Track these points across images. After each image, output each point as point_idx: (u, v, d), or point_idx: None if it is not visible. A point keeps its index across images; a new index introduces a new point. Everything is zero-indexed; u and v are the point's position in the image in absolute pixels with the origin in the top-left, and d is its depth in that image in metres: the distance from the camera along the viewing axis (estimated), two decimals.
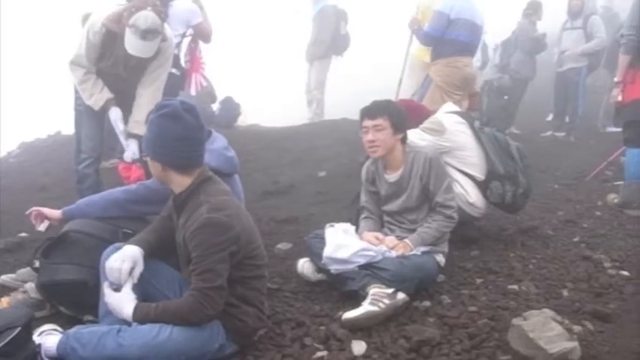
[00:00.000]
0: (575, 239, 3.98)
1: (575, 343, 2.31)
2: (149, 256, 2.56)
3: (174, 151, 2.46)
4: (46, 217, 3.09)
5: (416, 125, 3.80)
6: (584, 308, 2.80)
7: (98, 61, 4.10)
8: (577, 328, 2.53)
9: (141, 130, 3.98)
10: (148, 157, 2.55)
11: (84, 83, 4.12)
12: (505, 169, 3.77)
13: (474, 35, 5.61)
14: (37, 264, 3.07)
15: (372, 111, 3.34)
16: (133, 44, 3.83)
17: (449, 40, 5.48)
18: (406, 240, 3.23)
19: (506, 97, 8.02)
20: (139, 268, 2.48)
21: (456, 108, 4.22)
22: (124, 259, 2.44)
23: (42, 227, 3.08)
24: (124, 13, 3.82)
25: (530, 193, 3.93)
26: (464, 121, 3.90)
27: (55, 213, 3.09)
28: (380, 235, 3.35)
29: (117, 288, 2.43)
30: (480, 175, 3.81)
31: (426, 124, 3.85)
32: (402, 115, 3.37)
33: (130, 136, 4.17)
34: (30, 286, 3.13)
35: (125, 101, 4.22)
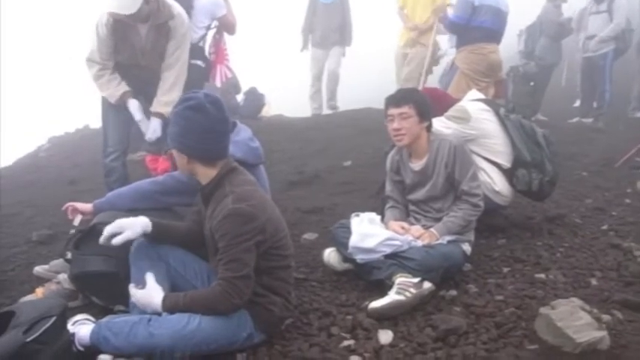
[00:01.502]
0: (604, 227, 3.93)
1: (604, 333, 2.29)
2: (156, 234, 2.64)
3: (200, 143, 2.49)
4: (80, 212, 3.14)
5: (441, 113, 3.78)
6: (614, 297, 2.76)
7: (115, 55, 4.13)
8: (606, 317, 2.49)
9: (165, 110, 4.03)
10: (174, 150, 2.58)
11: (99, 79, 4.16)
12: (532, 157, 3.72)
13: (499, 21, 5.55)
14: (69, 255, 3.14)
15: (398, 99, 3.33)
16: (112, 2, 3.81)
17: (474, 27, 5.44)
18: (432, 229, 3.23)
19: (532, 84, 7.90)
20: (128, 235, 2.54)
21: (482, 95, 4.17)
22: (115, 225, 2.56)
23: (76, 221, 3.14)
24: None
25: (557, 181, 3.88)
26: (489, 108, 3.86)
27: (87, 206, 3.14)
28: (405, 224, 3.35)
29: (142, 287, 2.49)
30: (506, 163, 3.77)
31: (451, 112, 3.83)
32: (427, 103, 3.36)
33: (153, 115, 4.18)
34: (63, 277, 3.20)
35: (149, 89, 4.26)
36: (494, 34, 5.58)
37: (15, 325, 1.96)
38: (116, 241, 2.53)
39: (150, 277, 2.51)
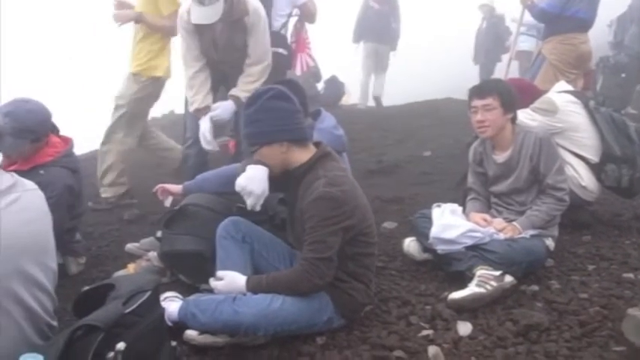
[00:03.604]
0: None
1: None
2: None
3: (295, 124, 2.56)
4: (170, 193, 3.28)
5: (526, 105, 3.70)
6: None
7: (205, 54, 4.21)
8: None
9: (242, 95, 4.05)
10: (265, 146, 2.59)
11: (192, 80, 4.22)
12: (622, 151, 3.59)
13: (592, 11, 5.32)
14: (159, 234, 3.31)
15: (482, 90, 3.28)
16: (195, 13, 3.90)
17: (566, 16, 5.22)
18: (515, 223, 3.18)
19: (623, 75, 7.55)
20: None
21: (569, 87, 4.04)
22: None
23: (167, 202, 3.29)
24: None
25: None
26: (578, 100, 3.75)
27: (178, 188, 3.26)
28: (488, 216, 3.31)
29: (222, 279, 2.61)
30: (594, 158, 3.66)
31: (537, 103, 3.74)
32: (511, 95, 3.29)
33: (230, 97, 4.19)
34: (153, 254, 3.37)
35: (228, 83, 4.35)
36: (586, 24, 5.35)
37: (115, 296, 2.08)
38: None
39: (228, 272, 2.62)
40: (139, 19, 4.64)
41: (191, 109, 4.24)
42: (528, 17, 6.48)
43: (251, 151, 2.61)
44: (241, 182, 2.71)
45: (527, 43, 9.23)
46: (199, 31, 4.10)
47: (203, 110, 4.16)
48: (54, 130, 3.42)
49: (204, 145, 4.14)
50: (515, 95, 3.33)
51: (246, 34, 4.11)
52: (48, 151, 3.29)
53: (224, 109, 4.16)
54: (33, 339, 2.04)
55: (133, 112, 4.83)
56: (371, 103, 9.48)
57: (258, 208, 2.75)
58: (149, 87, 4.84)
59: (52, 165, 3.22)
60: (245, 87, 4.15)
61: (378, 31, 8.97)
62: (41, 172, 3.11)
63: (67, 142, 3.48)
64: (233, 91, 4.21)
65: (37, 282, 2.06)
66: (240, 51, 4.20)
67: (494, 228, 3.16)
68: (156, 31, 4.73)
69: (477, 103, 3.26)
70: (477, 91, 3.30)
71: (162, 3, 4.65)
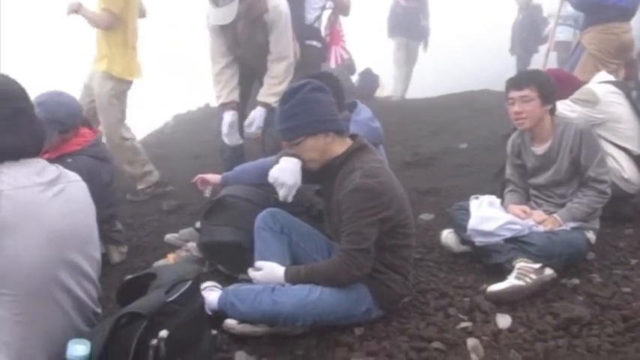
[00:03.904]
0: None
1: None
2: None
3: (335, 115, 2.57)
4: (209, 183, 3.31)
5: (566, 96, 3.63)
6: None
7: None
8: None
9: (272, 100, 4.10)
10: (308, 139, 2.55)
11: (218, 76, 4.28)
12: None
13: None
14: (198, 225, 3.35)
15: (519, 81, 3.23)
16: (212, 14, 3.93)
17: (607, 5, 5.08)
18: (555, 215, 3.12)
19: None
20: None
21: (611, 77, 3.96)
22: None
23: (207, 192, 3.32)
24: None
25: None
26: (619, 90, 3.67)
27: (216, 178, 3.29)
28: (527, 208, 3.26)
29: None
30: (636, 149, 3.59)
31: (577, 94, 3.67)
32: (550, 85, 3.23)
33: (260, 104, 4.21)
34: (192, 245, 3.43)
35: (253, 75, 4.39)
36: (629, 13, 5.20)
37: (157, 285, 2.12)
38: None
39: (265, 262, 2.65)
40: (78, 11, 4.53)
41: (217, 102, 4.32)
42: (567, 8, 6.36)
43: (293, 143, 2.58)
44: (274, 173, 2.75)
45: (564, 34, 9.06)
46: (222, 29, 4.15)
47: (229, 105, 4.23)
48: (84, 123, 3.50)
49: (224, 138, 4.25)
50: (554, 86, 3.27)
51: (267, 31, 4.13)
52: (76, 140, 3.36)
53: (253, 119, 4.20)
54: (80, 326, 2.10)
55: (108, 110, 4.76)
56: (409, 95, 9.49)
57: (290, 199, 2.78)
58: (118, 85, 4.75)
59: (79, 154, 3.29)
60: (272, 90, 4.18)
61: (407, 26, 9.00)
62: (69, 160, 3.18)
63: (96, 132, 3.57)
64: (261, 97, 4.24)
65: (82, 271, 2.12)
66: (262, 47, 4.22)
67: (534, 220, 3.11)
68: (93, 25, 4.63)
69: (514, 94, 3.21)
70: (514, 83, 3.25)
71: None
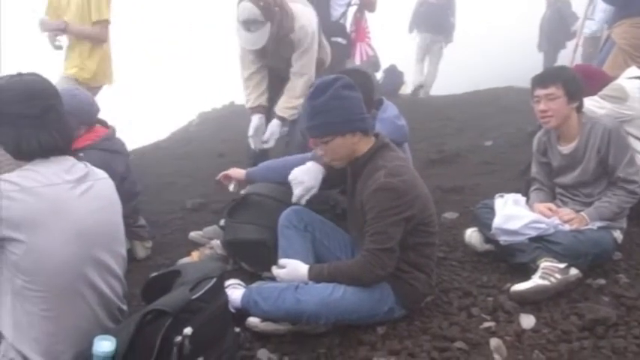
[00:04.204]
0: None
1: None
2: None
3: (363, 114, 2.56)
4: (233, 178, 3.30)
5: (594, 92, 3.57)
6: None
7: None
8: None
9: (288, 114, 4.17)
10: (337, 137, 2.52)
11: (247, 81, 4.31)
12: None
13: None
14: (222, 222, 3.38)
15: (544, 79, 3.18)
16: (242, 37, 3.94)
17: None
18: (582, 213, 3.08)
19: None
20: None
21: None
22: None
23: (232, 187, 3.31)
24: None
25: None
26: None
27: (241, 173, 3.28)
28: (553, 206, 3.22)
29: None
30: None
31: (606, 90, 3.60)
32: (577, 82, 3.17)
33: (276, 117, 4.23)
34: (216, 242, 3.45)
35: (284, 82, 4.37)
36: None
37: (182, 283, 2.15)
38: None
39: (290, 260, 2.66)
40: (65, 30, 4.54)
41: (246, 106, 4.38)
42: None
43: (322, 141, 2.55)
44: (295, 172, 2.82)
45: (592, 28, 8.94)
46: None
47: (256, 109, 4.28)
48: (100, 123, 3.52)
49: (249, 141, 4.27)
50: (581, 83, 3.21)
51: (293, 48, 4.14)
52: (89, 136, 3.38)
53: (271, 133, 4.21)
54: (105, 322, 2.14)
55: None
56: (434, 91, 9.45)
57: (303, 201, 2.83)
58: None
59: (91, 148, 3.31)
60: (288, 103, 4.21)
61: (434, 23, 8.94)
62: (80, 154, 3.21)
63: (109, 128, 3.58)
64: (278, 111, 4.26)
65: (108, 268, 2.16)
66: (287, 61, 4.24)
67: (560, 218, 3.07)
68: (96, 42, 4.66)
69: (540, 92, 3.16)
70: (540, 80, 3.20)
71: (93, 10, 4.54)
